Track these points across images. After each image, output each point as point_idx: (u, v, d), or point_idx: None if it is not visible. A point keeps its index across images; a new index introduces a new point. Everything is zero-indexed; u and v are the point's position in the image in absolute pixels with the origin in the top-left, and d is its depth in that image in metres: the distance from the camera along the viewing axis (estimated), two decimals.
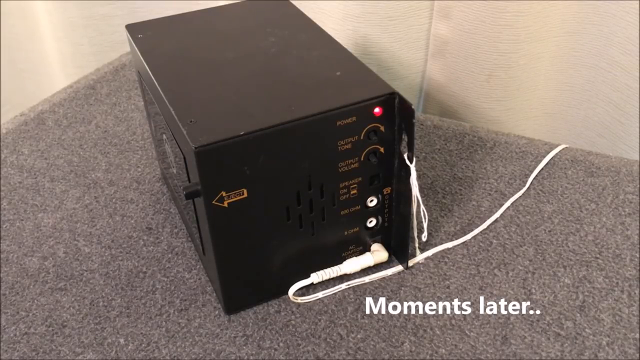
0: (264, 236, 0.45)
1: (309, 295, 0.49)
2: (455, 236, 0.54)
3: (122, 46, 0.97)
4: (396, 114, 0.45)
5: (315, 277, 0.49)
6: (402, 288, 0.50)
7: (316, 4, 0.80)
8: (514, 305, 0.48)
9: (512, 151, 0.64)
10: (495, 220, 0.56)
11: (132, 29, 0.55)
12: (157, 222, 0.58)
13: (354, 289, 0.50)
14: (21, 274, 0.53)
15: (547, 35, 0.73)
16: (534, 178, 0.60)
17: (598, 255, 0.52)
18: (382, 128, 0.45)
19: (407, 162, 0.45)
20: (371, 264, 0.50)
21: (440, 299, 0.49)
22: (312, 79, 0.46)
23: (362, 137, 0.44)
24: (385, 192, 0.49)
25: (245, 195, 0.43)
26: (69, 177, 0.64)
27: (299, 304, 0.49)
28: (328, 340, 0.46)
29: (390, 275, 0.51)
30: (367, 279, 0.50)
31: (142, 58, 0.50)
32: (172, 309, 0.49)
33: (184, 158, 0.43)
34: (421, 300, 0.49)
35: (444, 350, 0.45)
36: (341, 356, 0.45)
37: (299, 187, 0.45)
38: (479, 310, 0.48)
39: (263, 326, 0.47)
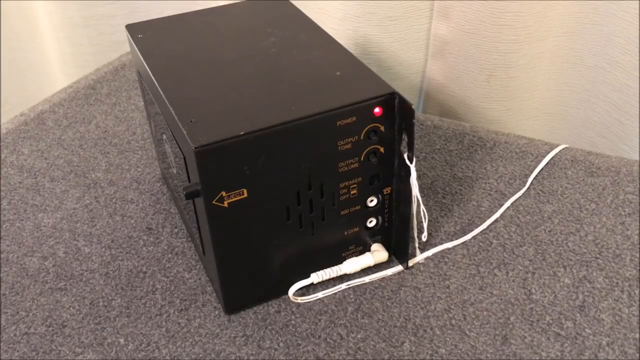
0: (264, 236, 0.45)
1: (309, 295, 0.49)
2: (455, 236, 0.54)
3: (122, 46, 0.97)
4: (396, 114, 0.45)
5: (315, 277, 0.49)
6: (402, 288, 0.50)
7: (316, 4, 0.80)
8: (514, 305, 0.48)
9: (512, 151, 0.64)
10: (495, 220, 0.56)
11: (132, 29, 0.55)
12: (157, 222, 0.58)
13: (354, 289, 0.50)
14: (21, 274, 0.53)
15: (547, 35, 0.73)
16: (534, 178, 0.60)
17: (598, 255, 0.52)
18: (382, 128, 0.45)
19: (407, 162, 0.45)
20: (371, 264, 0.50)
21: (440, 299, 0.49)
22: (312, 79, 0.46)
23: (362, 137, 0.44)
24: (385, 192, 0.49)
25: (245, 195, 0.43)
26: (69, 177, 0.64)
27: (299, 304, 0.49)
28: (328, 340, 0.46)
29: (390, 275, 0.51)
30: (367, 279, 0.50)
31: (142, 58, 0.50)
32: (172, 309, 0.49)
33: (184, 158, 0.43)
34: (421, 300, 0.49)
35: (444, 350, 0.45)
36: (341, 356, 0.45)
37: (299, 187, 0.45)
38: (479, 310, 0.48)
39: (263, 326, 0.47)
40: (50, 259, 0.54)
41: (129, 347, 0.46)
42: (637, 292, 0.48)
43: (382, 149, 0.46)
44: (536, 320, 0.47)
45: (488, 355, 0.44)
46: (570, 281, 0.50)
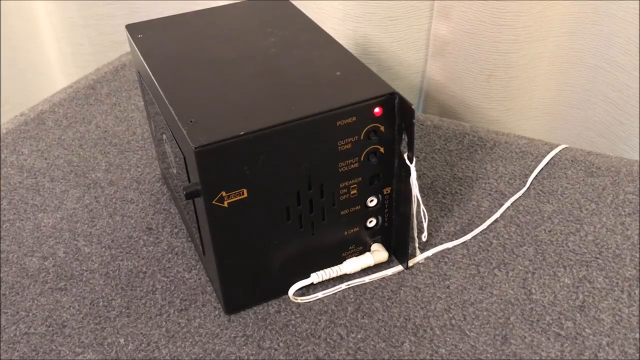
0: (264, 236, 0.45)
1: (309, 295, 0.49)
2: (455, 236, 0.54)
3: (122, 46, 0.98)
4: (396, 114, 0.45)
5: (315, 277, 0.49)
6: (402, 288, 0.50)
7: (316, 4, 0.80)
8: (514, 305, 0.48)
9: (512, 151, 0.64)
10: (495, 220, 0.56)
11: (132, 29, 0.55)
12: (157, 222, 0.58)
13: (354, 289, 0.50)
14: (21, 274, 0.53)
15: (547, 35, 0.73)
16: (534, 178, 0.60)
17: (598, 255, 0.52)
18: (382, 128, 0.45)
19: (407, 162, 0.45)
20: (371, 264, 0.50)
21: (440, 299, 0.49)
22: (312, 79, 0.46)
23: (362, 137, 0.44)
24: (385, 192, 0.49)
25: (245, 195, 0.43)
26: (69, 177, 0.64)
27: (299, 304, 0.49)
28: (328, 340, 0.46)
29: (390, 275, 0.51)
30: (367, 279, 0.50)
31: (142, 58, 0.50)
32: (172, 309, 0.49)
33: (184, 158, 0.43)
34: (421, 300, 0.49)
35: (444, 350, 0.45)
36: (341, 356, 0.45)
37: (299, 187, 0.45)
38: (479, 310, 0.48)
39: (263, 326, 0.47)
40: (50, 259, 0.54)
41: (129, 347, 0.46)
42: (637, 292, 0.48)
43: (382, 149, 0.46)
44: (536, 320, 0.47)
45: (488, 355, 0.44)
46: (570, 281, 0.50)
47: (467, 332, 0.46)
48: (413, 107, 0.42)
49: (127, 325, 0.48)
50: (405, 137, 0.45)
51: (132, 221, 0.58)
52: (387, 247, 0.52)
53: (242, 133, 0.40)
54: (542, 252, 0.52)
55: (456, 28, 0.75)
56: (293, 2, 0.59)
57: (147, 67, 0.49)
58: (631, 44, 0.70)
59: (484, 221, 0.56)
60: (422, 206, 0.47)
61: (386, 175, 0.48)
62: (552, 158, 0.63)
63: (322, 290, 0.50)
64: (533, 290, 0.49)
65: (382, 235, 0.51)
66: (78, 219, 0.58)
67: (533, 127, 0.82)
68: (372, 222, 0.50)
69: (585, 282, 0.49)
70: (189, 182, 0.44)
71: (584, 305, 0.48)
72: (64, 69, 1.03)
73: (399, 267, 0.51)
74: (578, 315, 0.47)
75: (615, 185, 0.59)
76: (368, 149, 0.45)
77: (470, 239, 0.54)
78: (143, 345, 0.46)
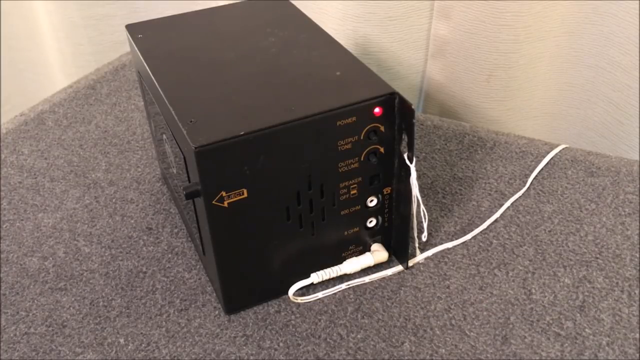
0: (264, 236, 0.45)
1: (309, 295, 0.49)
2: (455, 236, 0.54)
3: (122, 46, 0.98)
4: (396, 114, 0.45)
5: (315, 277, 0.49)
6: (402, 288, 0.50)
7: (316, 4, 0.80)
8: (514, 305, 0.48)
9: (512, 151, 0.64)
10: (495, 220, 0.56)
11: (132, 29, 0.55)
12: (157, 222, 0.58)
13: (354, 289, 0.50)
14: (21, 274, 0.53)
15: (547, 35, 0.73)
16: (534, 178, 0.60)
17: (598, 255, 0.52)
18: (382, 128, 0.45)
19: (407, 162, 0.45)
20: (371, 264, 0.50)
21: (440, 299, 0.49)
22: (312, 79, 0.46)
23: (362, 137, 0.44)
24: (385, 192, 0.49)
25: (245, 195, 0.43)
26: (69, 177, 0.64)
27: (299, 304, 0.49)
28: (328, 340, 0.46)
29: (390, 275, 0.51)
30: (367, 279, 0.50)
31: (142, 58, 0.50)
32: (172, 309, 0.49)
33: (184, 158, 0.43)
34: (421, 300, 0.49)
35: (444, 350, 0.45)
36: (341, 356, 0.45)
37: (299, 187, 0.45)
38: (479, 310, 0.48)
39: (263, 326, 0.47)
40: (50, 259, 0.54)
41: (129, 347, 0.46)
42: (637, 292, 0.48)
43: (382, 149, 0.46)
44: (536, 320, 0.47)
45: (488, 355, 0.44)
46: (570, 281, 0.50)
47: (467, 332, 0.46)
48: (413, 107, 0.42)
49: (127, 325, 0.48)
50: (405, 137, 0.45)
51: (132, 221, 0.58)
52: (387, 247, 0.52)
53: (242, 133, 0.40)
54: (542, 252, 0.52)
55: (456, 28, 0.75)
56: (293, 2, 0.59)
57: (147, 67, 0.49)
58: (631, 44, 0.70)
59: (484, 221, 0.56)
60: (422, 206, 0.47)
61: (386, 175, 0.48)
62: (552, 158, 0.63)
63: (322, 290, 0.50)
64: (533, 290, 0.49)
65: (382, 235, 0.51)
66: (78, 219, 0.58)
67: (533, 127, 0.82)
68: (372, 222, 0.50)
69: (585, 282, 0.49)
70: (189, 182, 0.44)
71: (584, 305, 0.48)
72: (64, 69, 1.03)
73: (399, 267, 0.51)
74: (578, 315, 0.47)
75: (615, 185, 0.59)
76: (368, 149, 0.45)
77: (470, 239, 0.54)
78: (143, 345, 0.46)
